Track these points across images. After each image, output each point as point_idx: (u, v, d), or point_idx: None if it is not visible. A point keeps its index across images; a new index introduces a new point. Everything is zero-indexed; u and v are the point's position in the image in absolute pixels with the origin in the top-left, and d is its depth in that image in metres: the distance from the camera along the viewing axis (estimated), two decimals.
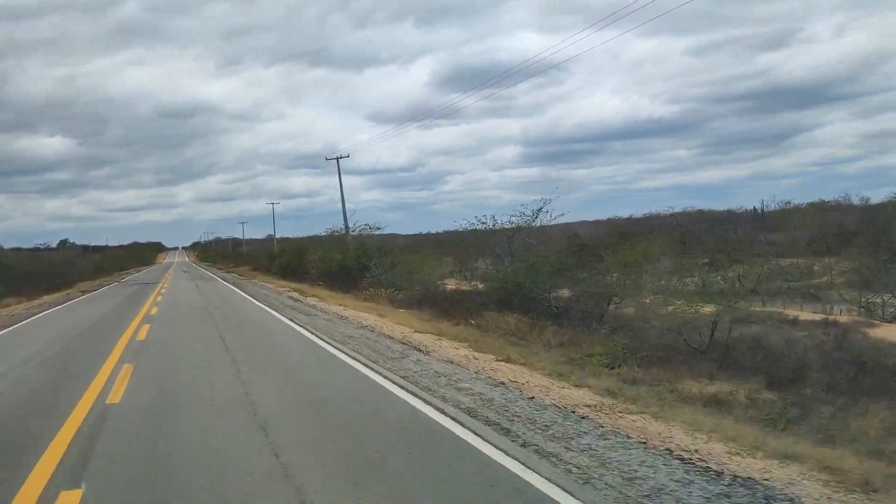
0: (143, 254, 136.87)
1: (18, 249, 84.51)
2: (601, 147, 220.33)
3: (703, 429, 6.57)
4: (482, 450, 5.72)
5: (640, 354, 11.41)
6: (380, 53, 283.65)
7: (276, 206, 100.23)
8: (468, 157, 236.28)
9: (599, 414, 7.05)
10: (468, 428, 6.41)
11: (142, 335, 14.57)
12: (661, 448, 5.78)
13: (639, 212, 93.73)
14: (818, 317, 19.99)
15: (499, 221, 25.05)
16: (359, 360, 10.48)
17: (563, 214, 25.14)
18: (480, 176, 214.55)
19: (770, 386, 9.73)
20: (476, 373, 9.42)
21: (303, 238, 67.17)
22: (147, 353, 11.94)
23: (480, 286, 23.76)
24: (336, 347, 11.99)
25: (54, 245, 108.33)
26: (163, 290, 33.62)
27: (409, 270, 28.22)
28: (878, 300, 22.25)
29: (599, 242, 27.44)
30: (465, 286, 26.81)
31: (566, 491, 4.73)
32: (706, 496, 4.65)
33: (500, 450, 5.70)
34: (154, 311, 21.22)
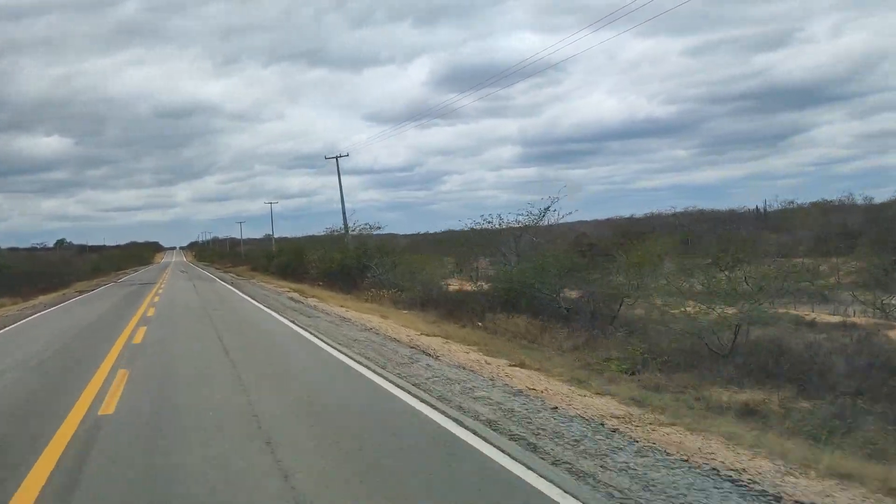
0: (140, 254, 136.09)
1: (15, 249, 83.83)
2: (599, 147, 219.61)
3: (745, 443, 6.07)
4: (511, 469, 5.20)
5: (660, 359, 10.90)
6: (378, 53, 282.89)
7: (273, 206, 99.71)
8: (466, 157, 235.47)
9: (630, 426, 6.54)
10: (492, 443, 5.90)
11: (138, 338, 14.04)
12: (706, 467, 5.27)
13: (636, 211, 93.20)
14: (835, 319, 19.53)
15: (505, 220, 24.55)
16: (366, 366, 9.96)
17: (570, 213, 24.65)
18: (478, 176, 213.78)
19: (801, 393, 9.23)
20: (490, 379, 8.91)
21: (301, 238, 66.64)
22: (143, 358, 11.41)
23: (485, 286, 23.22)
24: (341, 352, 11.48)
25: (51, 245, 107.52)
26: (160, 291, 33.10)
27: (410, 271, 27.71)
28: (895, 301, 21.79)
29: (606, 242, 26.93)
30: (468, 287, 26.30)
31: None
32: None
33: (531, 469, 5.19)
34: (151, 312, 20.68)
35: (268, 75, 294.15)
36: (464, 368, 9.78)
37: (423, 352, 11.38)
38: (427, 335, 13.80)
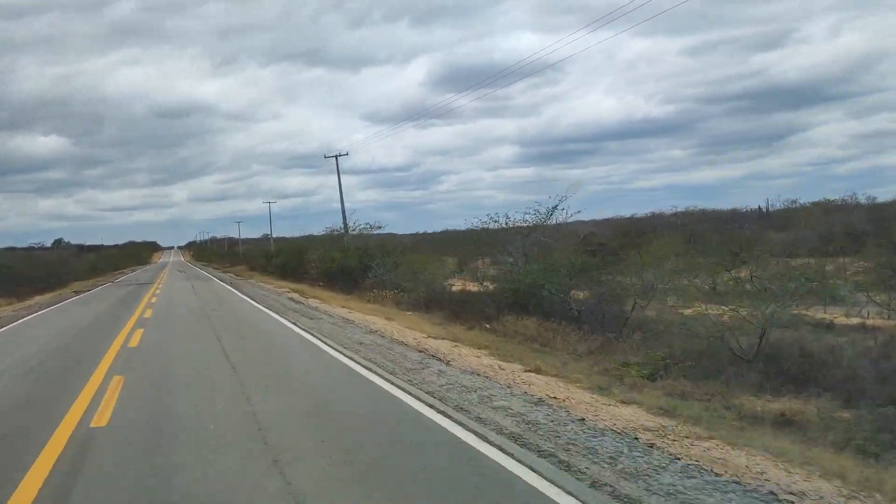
0: (138, 253, 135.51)
1: (13, 249, 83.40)
2: (596, 147, 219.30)
3: (794, 460, 5.57)
4: (547, 493, 4.69)
5: (682, 364, 10.38)
6: (376, 53, 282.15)
7: (271, 206, 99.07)
8: (463, 156, 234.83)
9: (666, 440, 6.03)
10: (520, 461, 5.39)
11: (134, 341, 13.51)
12: (762, 490, 4.76)
13: (635, 211, 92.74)
14: (854, 321, 19.04)
15: (512, 219, 24.02)
16: (375, 372, 9.44)
17: (579, 212, 24.12)
18: (475, 176, 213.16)
19: (835, 400, 8.73)
20: (508, 387, 8.40)
21: (300, 237, 66.04)
22: (140, 363, 10.89)
23: (491, 287, 22.70)
24: (347, 356, 10.96)
25: (49, 244, 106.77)
26: (157, 291, 32.57)
27: (413, 271, 27.19)
28: None
29: (613, 242, 26.40)
30: (472, 287, 25.78)
31: None
32: None
33: (568, 492, 4.68)
34: (148, 313, 20.14)
35: (266, 75, 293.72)
36: (478, 374, 9.27)
37: (433, 356, 10.87)
38: (434, 338, 13.31)
